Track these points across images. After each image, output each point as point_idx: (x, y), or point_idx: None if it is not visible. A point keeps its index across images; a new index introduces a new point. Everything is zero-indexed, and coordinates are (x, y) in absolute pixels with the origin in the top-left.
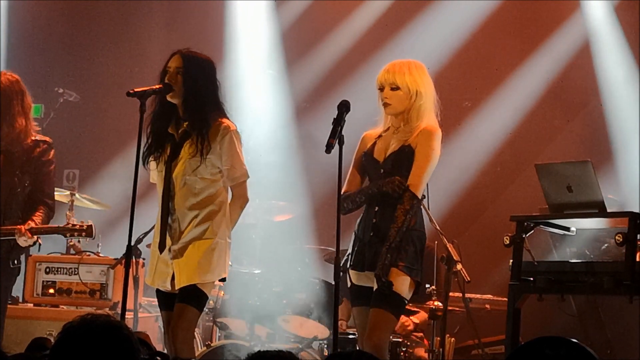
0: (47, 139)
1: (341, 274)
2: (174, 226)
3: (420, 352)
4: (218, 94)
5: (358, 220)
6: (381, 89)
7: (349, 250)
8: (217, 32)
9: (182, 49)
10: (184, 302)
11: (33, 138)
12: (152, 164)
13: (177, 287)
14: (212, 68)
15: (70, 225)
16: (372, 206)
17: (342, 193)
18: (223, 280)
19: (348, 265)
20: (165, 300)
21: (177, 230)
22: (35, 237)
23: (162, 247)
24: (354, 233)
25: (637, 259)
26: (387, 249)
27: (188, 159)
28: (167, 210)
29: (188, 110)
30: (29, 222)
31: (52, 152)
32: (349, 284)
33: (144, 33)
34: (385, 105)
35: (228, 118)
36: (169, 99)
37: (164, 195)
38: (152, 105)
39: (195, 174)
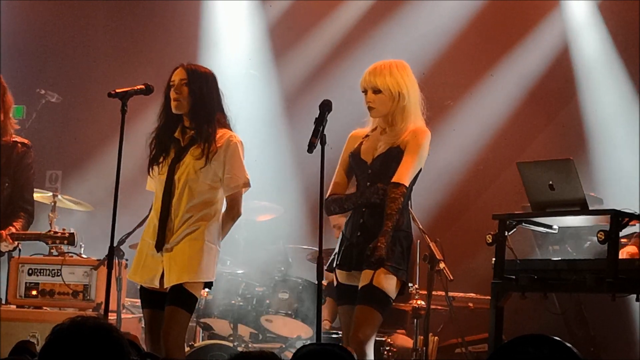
0: (26, 141)
1: (326, 273)
2: (169, 226)
3: (403, 341)
4: (222, 103)
5: (346, 220)
6: (365, 92)
7: (336, 250)
8: (201, 33)
9: (183, 63)
10: (175, 305)
11: (12, 139)
12: (155, 169)
13: (166, 286)
14: (214, 79)
15: (52, 232)
16: (360, 207)
17: (329, 194)
18: (209, 285)
19: (334, 265)
20: (149, 297)
21: (172, 230)
22: (16, 242)
23: (159, 246)
24: (341, 233)
25: (620, 257)
26: (392, 227)
27: (192, 162)
28: (167, 209)
29: (194, 120)
30: (10, 227)
31: (31, 156)
32: (335, 284)
33: (125, 34)
34: (370, 109)
35: (231, 128)
36: (175, 110)
37: (165, 195)
38: (157, 119)
39: (198, 177)
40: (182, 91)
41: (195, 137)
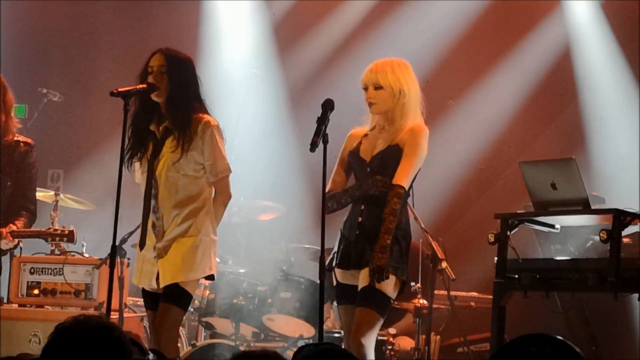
0: (29, 140)
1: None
2: (157, 224)
3: (406, 345)
4: (199, 90)
5: (344, 219)
6: (365, 89)
7: (335, 249)
8: (202, 32)
9: (162, 48)
10: (168, 302)
11: (15, 138)
12: (136, 165)
13: (161, 286)
14: (192, 65)
15: (52, 230)
16: (358, 205)
17: (326, 192)
18: (211, 278)
19: (334, 264)
20: (151, 299)
21: (161, 228)
22: (17, 240)
23: (142, 244)
24: (339, 231)
25: (622, 256)
26: (391, 242)
27: (170, 155)
28: (148, 208)
29: (171, 107)
30: (11, 225)
31: (34, 155)
32: (334, 283)
33: (127, 33)
34: (370, 104)
35: (209, 113)
36: (153, 97)
37: (146, 193)
38: (133, 107)
39: (178, 170)
40: (162, 78)
41: (170, 127)
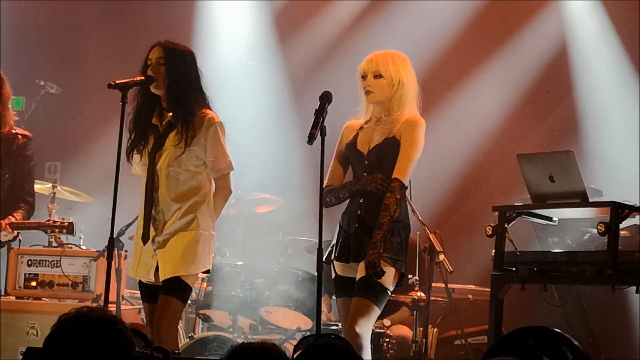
0: (27, 132)
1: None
2: (158, 217)
3: (402, 331)
4: (200, 83)
5: (343, 212)
6: (364, 77)
7: (334, 242)
8: (197, 24)
9: (162, 40)
10: (168, 294)
11: (13, 130)
12: (136, 157)
13: (161, 279)
14: (192, 57)
15: (52, 221)
16: (357, 198)
17: (324, 185)
18: (207, 272)
19: (332, 257)
20: (148, 292)
21: (161, 222)
22: (16, 232)
23: (145, 238)
24: (338, 224)
25: (620, 249)
26: (382, 237)
27: (172, 149)
28: (150, 201)
29: (172, 100)
30: (10, 217)
31: (32, 147)
32: (333, 276)
33: (124, 25)
34: (368, 92)
35: (211, 108)
36: (152, 90)
37: (148, 186)
38: (134, 99)
39: (179, 165)
40: (160, 71)
41: (173, 120)
